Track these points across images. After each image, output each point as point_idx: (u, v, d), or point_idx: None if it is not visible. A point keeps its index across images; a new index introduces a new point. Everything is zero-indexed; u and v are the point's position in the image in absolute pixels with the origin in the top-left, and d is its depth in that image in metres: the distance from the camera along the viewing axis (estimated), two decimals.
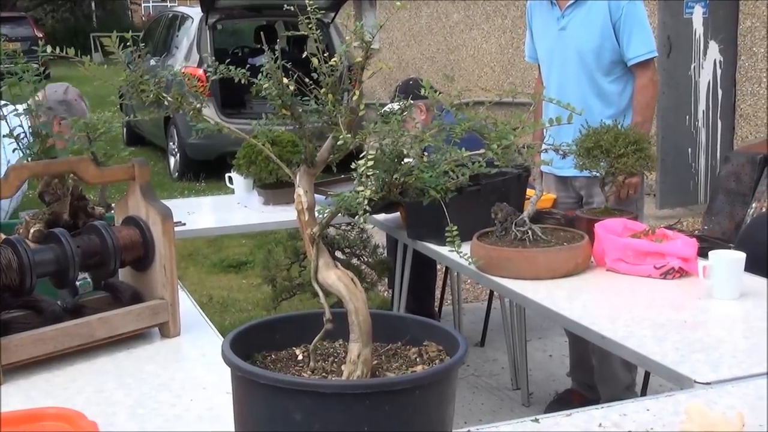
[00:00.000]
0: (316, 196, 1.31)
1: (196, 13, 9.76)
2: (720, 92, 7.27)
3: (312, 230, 1.25)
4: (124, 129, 11.42)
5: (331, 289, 1.25)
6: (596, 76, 3.63)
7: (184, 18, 10.17)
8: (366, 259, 4.31)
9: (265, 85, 1.20)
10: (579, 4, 3.59)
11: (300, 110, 1.23)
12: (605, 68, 3.61)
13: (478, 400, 3.95)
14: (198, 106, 1.26)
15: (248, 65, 1.31)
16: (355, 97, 1.18)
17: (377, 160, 1.15)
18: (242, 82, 1.27)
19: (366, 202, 1.12)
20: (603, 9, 3.55)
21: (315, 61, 1.18)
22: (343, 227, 4.10)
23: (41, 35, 20.84)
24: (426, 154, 1.23)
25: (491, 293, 4.64)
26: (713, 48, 7.20)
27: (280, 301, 4.31)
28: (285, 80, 1.20)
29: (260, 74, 1.23)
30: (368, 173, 1.12)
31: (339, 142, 1.18)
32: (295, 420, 1.15)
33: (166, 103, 1.28)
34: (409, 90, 3.97)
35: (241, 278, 6.03)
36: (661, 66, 7.00)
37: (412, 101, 1.29)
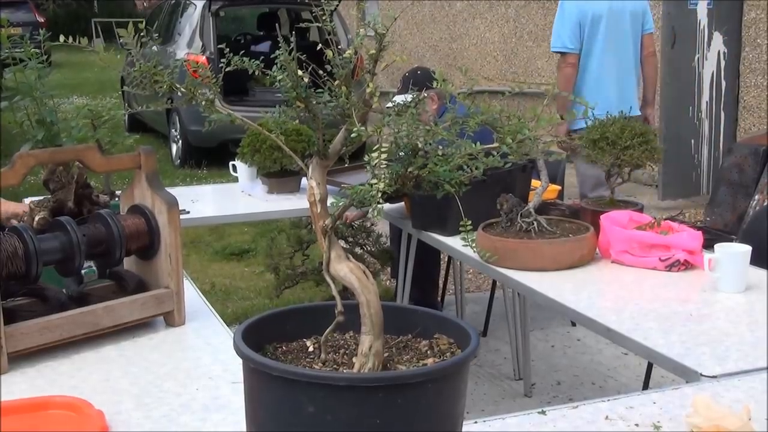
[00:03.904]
0: (327, 187, 1.31)
1: None
2: (723, 84, 7.26)
3: (324, 222, 1.24)
4: (126, 116, 11.38)
5: (344, 281, 1.25)
6: None
7: (187, 4, 10.13)
8: (369, 249, 4.32)
9: (280, 77, 1.19)
10: None
11: (314, 102, 1.22)
12: None
13: (481, 390, 3.95)
14: (211, 97, 1.25)
15: (260, 54, 1.29)
16: (369, 90, 1.18)
17: (391, 152, 1.14)
18: (257, 73, 1.26)
19: (380, 195, 1.12)
20: None
21: (330, 53, 1.17)
22: None
23: (42, 20, 20.75)
24: (440, 147, 1.22)
25: (494, 283, 4.64)
26: (717, 39, 7.18)
27: (283, 289, 4.33)
28: (300, 72, 1.19)
29: (274, 65, 1.22)
30: (382, 165, 1.12)
31: (353, 135, 1.17)
32: (307, 412, 1.15)
33: (179, 93, 1.27)
34: (418, 80, 3.96)
35: (243, 266, 6.03)
36: (665, 57, 6.98)
37: (425, 93, 1.28)
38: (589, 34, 4.72)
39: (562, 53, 4.75)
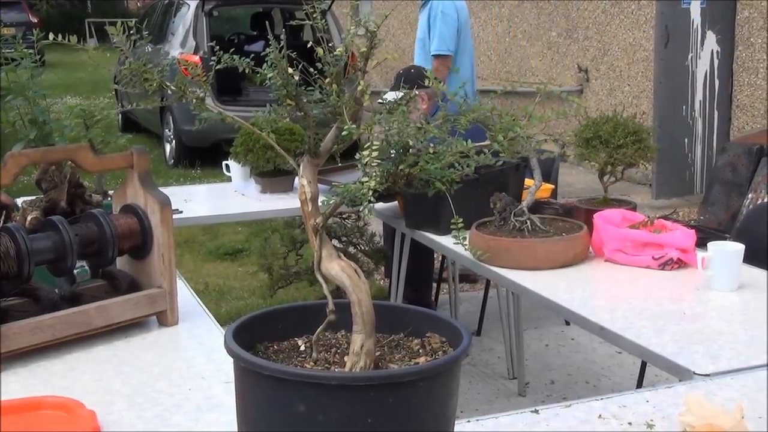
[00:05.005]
0: (319, 185, 1.30)
1: None
2: (717, 82, 7.27)
3: (315, 221, 1.24)
4: (119, 116, 11.37)
5: (335, 280, 1.24)
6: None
7: (180, 4, 10.11)
8: (363, 248, 4.32)
9: (270, 75, 1.19)
10: None
11: (305, 100, 1.21)
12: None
13: (474, 389, 3.95)
14: (201, 95, 1.25)
15: (252, 54, 1.29)
16: (360, 87, 1.17)
17: (382, 150, 1.14)
18: (247, 71, 1.25)
19: (370, 193, 1.12)
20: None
21: (320, 51, 1.17)
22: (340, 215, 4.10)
23: (36, 20, 20.68)
24: (431, 145, 1.22)
25: (488, 282, 4.64)
26: (711, 38, 7.19)
27: (276, 289, 4.32)
28: (290, 70, 1.19)
29: (264, 63, 1.22)
30: (373, 164, 1.11)
31: (344, 133, 1.17)
32: (298, 411, 1.15)
33: (169, 92, 1.26)
34: (411, 79, 3.95)
35: (237, 266, 6.02)
36: (659, 56, 7.00)
37: (416, 92, 1.28)
38: (462, 37, 5.30)
39: (444, 56, 5.22)
